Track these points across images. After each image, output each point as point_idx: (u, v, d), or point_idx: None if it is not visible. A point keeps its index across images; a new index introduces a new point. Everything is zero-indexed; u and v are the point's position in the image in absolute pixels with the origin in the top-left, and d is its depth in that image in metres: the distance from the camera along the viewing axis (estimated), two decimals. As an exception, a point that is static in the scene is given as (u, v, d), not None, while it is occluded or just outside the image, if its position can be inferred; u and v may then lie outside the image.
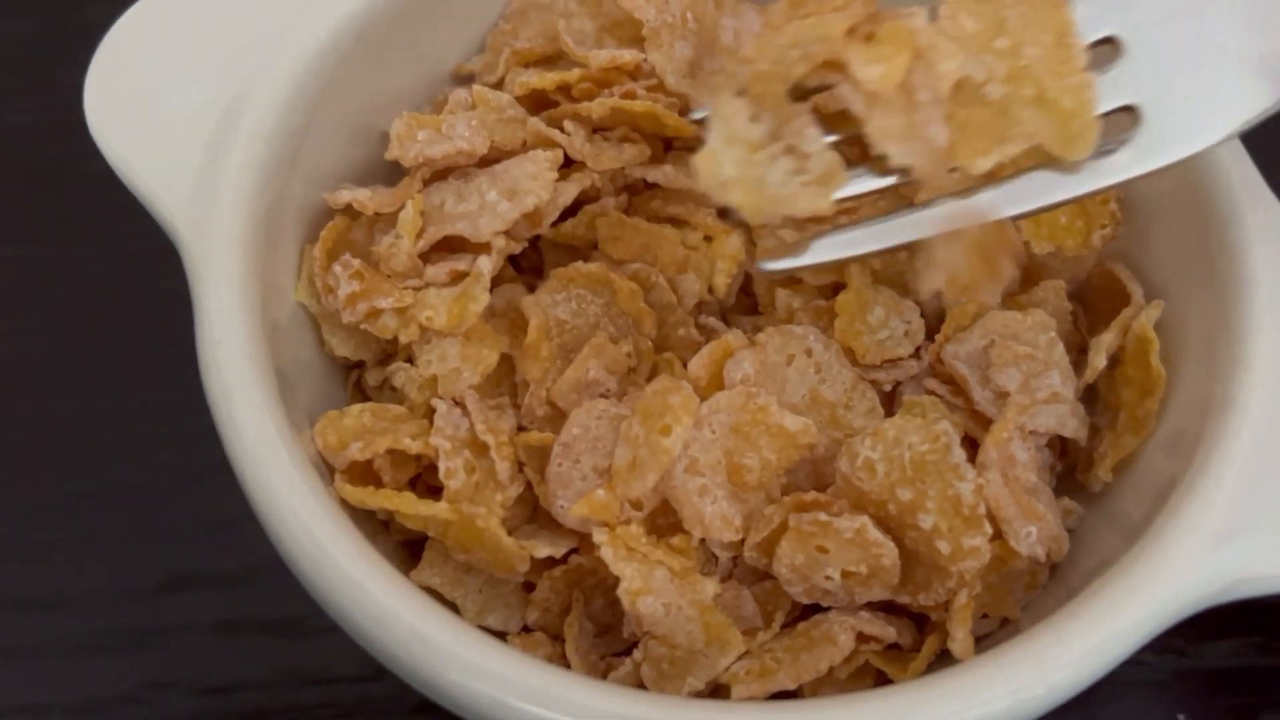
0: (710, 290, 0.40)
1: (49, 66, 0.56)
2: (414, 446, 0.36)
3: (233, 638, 0.45)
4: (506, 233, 0.38)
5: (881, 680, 0.36)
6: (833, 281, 0.41)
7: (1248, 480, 0.34)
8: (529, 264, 0.42)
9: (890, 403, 0.39)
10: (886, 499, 0.34)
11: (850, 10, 0.31)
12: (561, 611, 0.37)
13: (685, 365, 0.38)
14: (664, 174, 0.40)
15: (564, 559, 0.36)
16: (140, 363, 0.49)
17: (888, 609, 0.36)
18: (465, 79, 0.44)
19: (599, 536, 0.35)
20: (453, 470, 0.36)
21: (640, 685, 0.35)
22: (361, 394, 0.41)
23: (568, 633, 0.36)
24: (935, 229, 0.33)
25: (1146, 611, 0.32)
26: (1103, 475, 0.38)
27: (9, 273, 0.52)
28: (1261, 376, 0.35)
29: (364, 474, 0.36)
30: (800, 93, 0.32)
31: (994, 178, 0.33)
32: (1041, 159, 0.33)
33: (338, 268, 0.38)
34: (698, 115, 0.35)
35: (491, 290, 0.39)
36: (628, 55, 0.40)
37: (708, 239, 0.41)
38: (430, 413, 0.37)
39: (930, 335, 0.40)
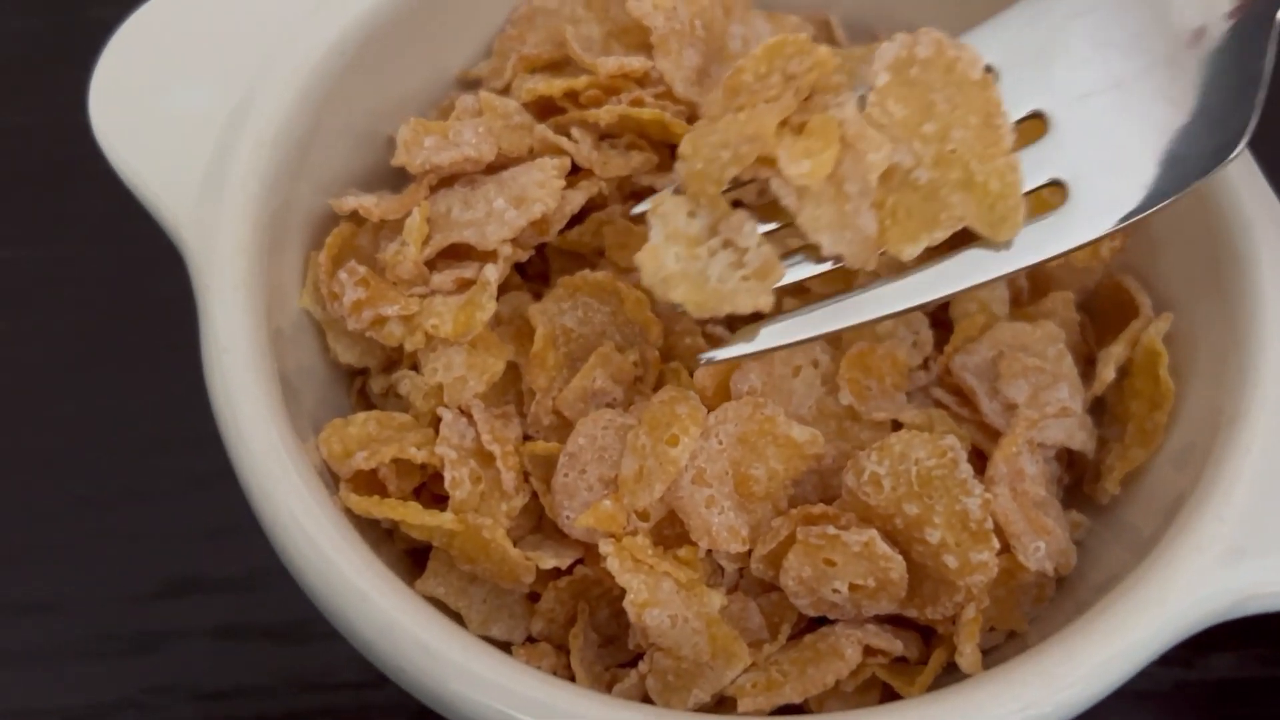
0: (717, 299, 0.40)
1: (51, 67, 0.56)
2: (419, 456, 0.36)
3: (233, 643, 0.45)
4: (513, 240, 0.38)
5: (888, 694, 0.36)
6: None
7: (1257, 496, 0.33)
8: (535, 271, 0.42)
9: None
10: (893, 513, 0.34)
11: (781, 103, 0.32)
12: (566, 622, 0.37)
13: (692, 374, 0.38)
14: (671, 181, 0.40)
15: (569, 569, 0.36)
16: (141, 366, 0.49)
17: (894, 622, 0.36)
18: (471, 84, 0.44)
19: (605, 547, 0.34)
20: (458, 480, 0.35)
21: (645, 697, 0.35)
22: (366, 401, 0.40)
23: (573, 644, 0.36)
24: (876, 313, 0.34)
25: (1155, 628, 0.32)
26: (1111, 488, 0.38)
27: (10, 275, 0.52)
28: (1271, 391, 0.35)
29: (369, 483, 0.36)
30: (736, 183, 0.33)
31: (925, 258, 0.34)
32: (972, 237, 0.34)
33: (343, 274, 0.38)
34: (636, 211, 0.36)
35: (498, 298, 0.39)
36: (636, 62, 0.40)
37: (714, 247, 0.40)
38: (435, 421, 0.37)
39: (939, 346, 0.39)
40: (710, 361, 0.34)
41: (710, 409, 0.36)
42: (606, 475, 0.36)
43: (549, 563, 0.35)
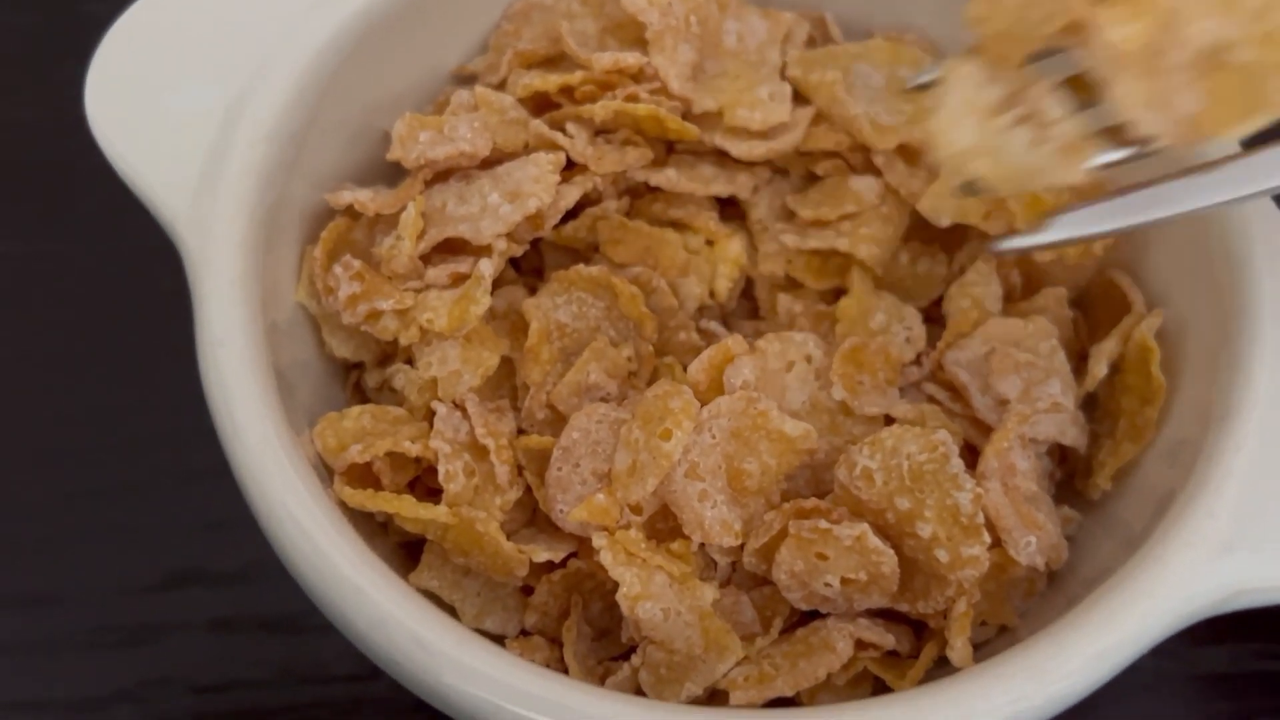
0: (711, 294, 0.40)
1: (47, 62, 0.56)
2: (414, 449, 0.36)
3: (230, 636, 0.45)
4: (508, 235, 0.38)
5: (879, 687, 0.36)
6: (834, 286, 0.41)
7: (1248, 491, 0.34)
8: (529, 265, 0.42)
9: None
10: (885, 508, 0.34)
11: None
12: (560, 615, 0.37)
13: (686, 369, 0.38)
14: (666, 177, 0.40)
15: (563, 563, 0.36)
16: (139, 360, 0.49)
17: (886, 616, 0.36)
18: (467, 79, 0.44)
19: (598, 541, 0.34)
20: (452, 473, 0.36)
21: (638, 690, 0.35)
22: (361, 395, 0.40)
23: (566, 637, 0.36)
24: (1184, 206, 0.31)
25: (1146, 623, 0.32)
26: (1102, 483, 0.38)
27: (8, 269, 0.52)
28: (1262, 387, 0.35)
29: (363, 476, 0.36)
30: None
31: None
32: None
33: (338, 269, 0.38)
34: (923, 79, 0.33)
35: (493, 293, 0.39)
36: (631, 58, 0.40)
37: (709, 243, 0.41)
38: (430, 415, 0.37)
39: (931, 341, 0.40)
40: (1002, 252, 0.31)
41: (703, 403, 0.36)
42: (600, 469, 0.36)
43: (542, 556, 0.35)
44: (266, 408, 0.34)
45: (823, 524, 0.34)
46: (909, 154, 0.41)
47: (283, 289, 0.39)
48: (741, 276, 0.41)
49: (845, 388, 0.37)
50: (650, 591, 0.34)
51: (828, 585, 0.35)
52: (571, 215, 0.40)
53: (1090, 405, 0.40)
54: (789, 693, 0.34)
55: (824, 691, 0.35)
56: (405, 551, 0.38)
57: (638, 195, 0.42)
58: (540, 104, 0.41)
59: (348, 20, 0.40)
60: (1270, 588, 0.33)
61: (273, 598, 0.45)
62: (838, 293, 0.41)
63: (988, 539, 0.34)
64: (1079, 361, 0.40)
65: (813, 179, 0.42)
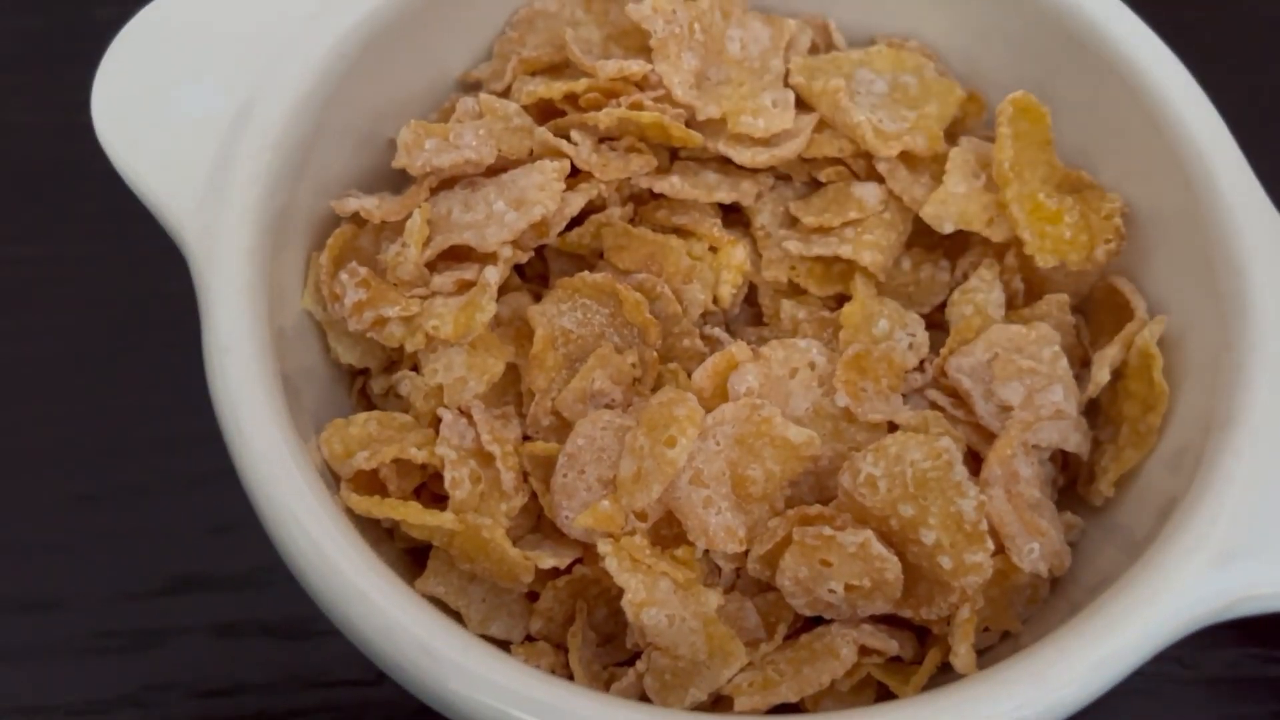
0: (715, 301, 0.40)
1: (54, 66, 0.56)
2: (420, 456, 0.36)
3: (234, 640, 0.45)
4: (513, 242, 0.38)
5: (883, 693, 0.36)
6: (837, 293, 0.41)
7: (1249, 498, 0.34)
8: (534, 272, 0.42)
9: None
10: (889, 514, 0.34)
11: None
12: (565, 621, 0.37)
13: (690, 376, 0.38)
14: (670, 184, 0.40)
15: (568, 569, 0.36)
16: (143, 365, 0.49)
17: (890, 622, 0.36)
18: (472, 86, 0.44)
19: (603, 547, 0.35)
20: (458, 480, 0.36)
21: (643, 696, 0.35)
22: (366, 401, 0.41)
23: (571, 643, 0.36)
24: None
25: (1148, 629, 0.32)
26: (1105, 490, 0.38)
27: (12, 273, 0.52)
28: (1263, 394, 0.35)
29: (369, 483, 0.36)
30: None
31: None
32: None
33: (344, 275, 0.38)
34: None
35: (498, 299, 0.39)
36: (635, 66, 0.40)
37: (713, 250, 0.41)
38: (436, 422, 0.37)
39: (934, 348, 0.40)
40: None
41: (708, 410, 0.36)
42: (605, 476, 0.36)
43: (548, 562, 0.35)
44: (273, 414, 0.34)
45: (827, 531, 0.34)
46: (911, 161, 0.41)
47: (289, 296, 0.39)
48: (745, 283, 0.41)
49: (849, 394, 0.37)
50: (655, 598, 0.34)
51: (831, 591, 0.35)
52: (576, 222, 0.40)
53: (1093, 411, 0.40)
54: (793, 699, 0.34)
55: (828, 697, 0.35)
56: (411, 558, 0.38)
57: (642, 202, 0.42)
58: (545, 111, 0.41)
59: (353, 27, 0.40)
60: (1273, 594, 0.33)
61: (277, 602, 0.45)
62: (841, 299, 0.41)
63: (991, 545, 0.34)
64: (1082, 368, 0.40)
65: (816, 186, 0.42)
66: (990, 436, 0.37)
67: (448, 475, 0.36)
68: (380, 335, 0.38)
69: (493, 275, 0.37)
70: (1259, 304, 0.36)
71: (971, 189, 0.40)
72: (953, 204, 0.40)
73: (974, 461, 0.37)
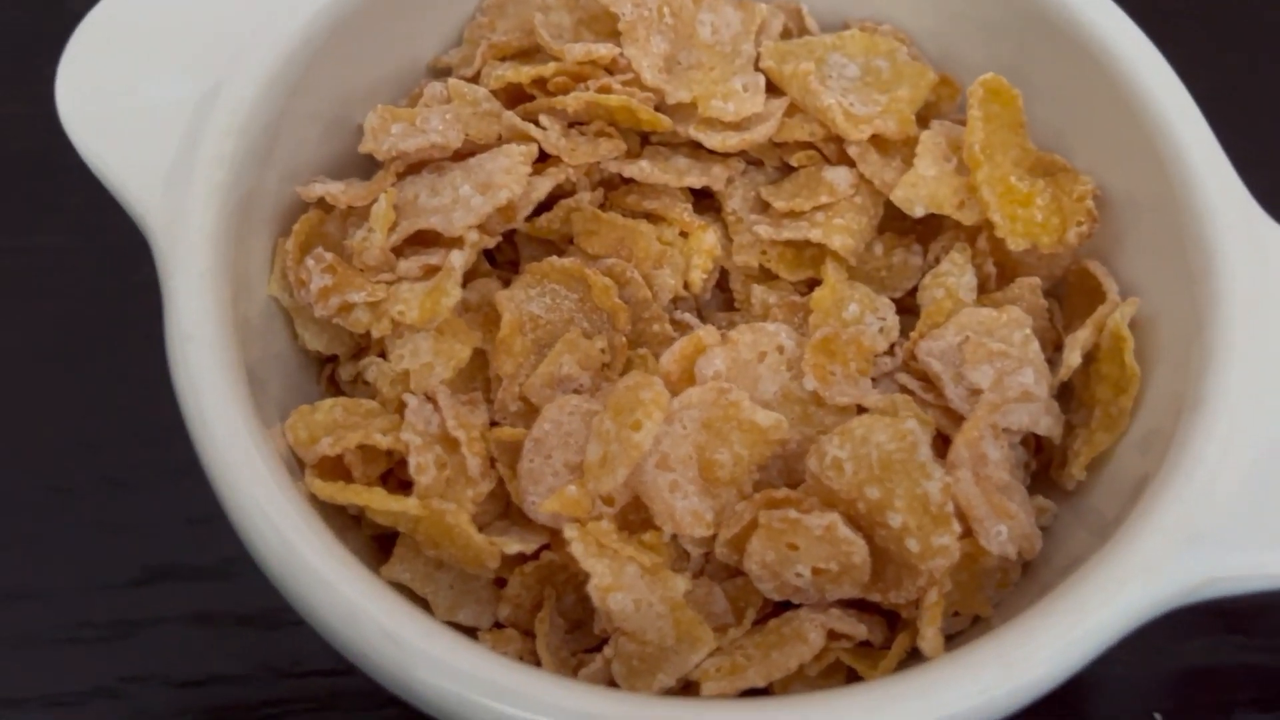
0: (686, 286, 0.40)
1: (31, 58, 0.56)
2: (384, 442, 0.36)
3: (210, 630, 0.45)
4: (480, 227, 0.38)
5: (853, 678, 0.35)
6: (809, 277, 0.41)
7: (1218, 480, 0.33)
8: (505, 259, 0.42)
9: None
10: (855, 497, 0.34)
11: None
12: (533, 608, 0.37)
13: (660, 360, 0.38)
14: (640, 169, 0.40)
15: (535, 555, 0.36)
16: (118, 356, 0.49)
17: (860, 606, 0.36)
18: (442, 72, 0.44)
19: (569, 532, 0.34)
20: (423, 466, 0.35)
21: (611, 682, 0.35)
22: (335, 388, 0.40)
23: (539, 629, 0.36)
24: None
25: (1115, 611, 0.32)
26: (1076, 473, 0.38)
27: (-12, 264, 0.52)
28: (1233, 375, 0.35)
29: (335, 469, 0.36)
30: None
31: None
32: None
33: (310, 261, 0.38)
34: None
35: (466, 285, 0.39)
36: (603, 49, 0.40)
37: (684, 234, 0.40)
38: (402, 408, 0.37)
39: (905, 332, 0.40)
40: None
41: (675, 394, 0.36)
42: (572, 461, 0.36)
43: (514, 548, 0.35)
44: (235, 400, 0.34)
45: (793, 514, 0.34)
46: (883, 144, 0.41)
47: (256, 282, 0.39)
48: (716, 268, 0.41)
49: (817, 378, 0.37)
50: (621, 582, 0.34)
51: (799, 575, 0.35)
52: (546, 208, 0.40)
53: (1067, 395, 0.40)
54: (760, 683, 0.34)
55: (797, 682, 0.35)
56: (379, 545, 0.38)
57: (612, 187, 0.41)
58: (514, 96, 0.41)
59: (322, 12, 0.40)
60: (1240, 576, 0.33)
61: (251, 593, 0.45)
62: (812, 284, 0.40)
63: (958, 528, 0.34)
64: (1055, 352, 0.40)
65: (787, 170, 0.42)
66: (960, 420, 0.37)
67: (412, 461, 0.35)
68: (346, 321, 0.38)
69: (458, 259, 0.37)
70: (1230, 286, 0.36)
71: (942, 172, 0.40)
72: (923, 187, 0.40)
73: (944, 445, 0.37)
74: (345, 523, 0.37)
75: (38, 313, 0.51)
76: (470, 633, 0.36)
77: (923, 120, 0.42)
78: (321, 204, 0.39)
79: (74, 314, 0.51)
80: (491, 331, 0.38)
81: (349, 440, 0.35)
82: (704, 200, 0.42)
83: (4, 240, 0.53)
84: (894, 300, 0.41)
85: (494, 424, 0.38)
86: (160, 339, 0.37)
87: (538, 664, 0.35)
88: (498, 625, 0.37)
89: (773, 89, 0.42)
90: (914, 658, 0.35)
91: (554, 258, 0.39)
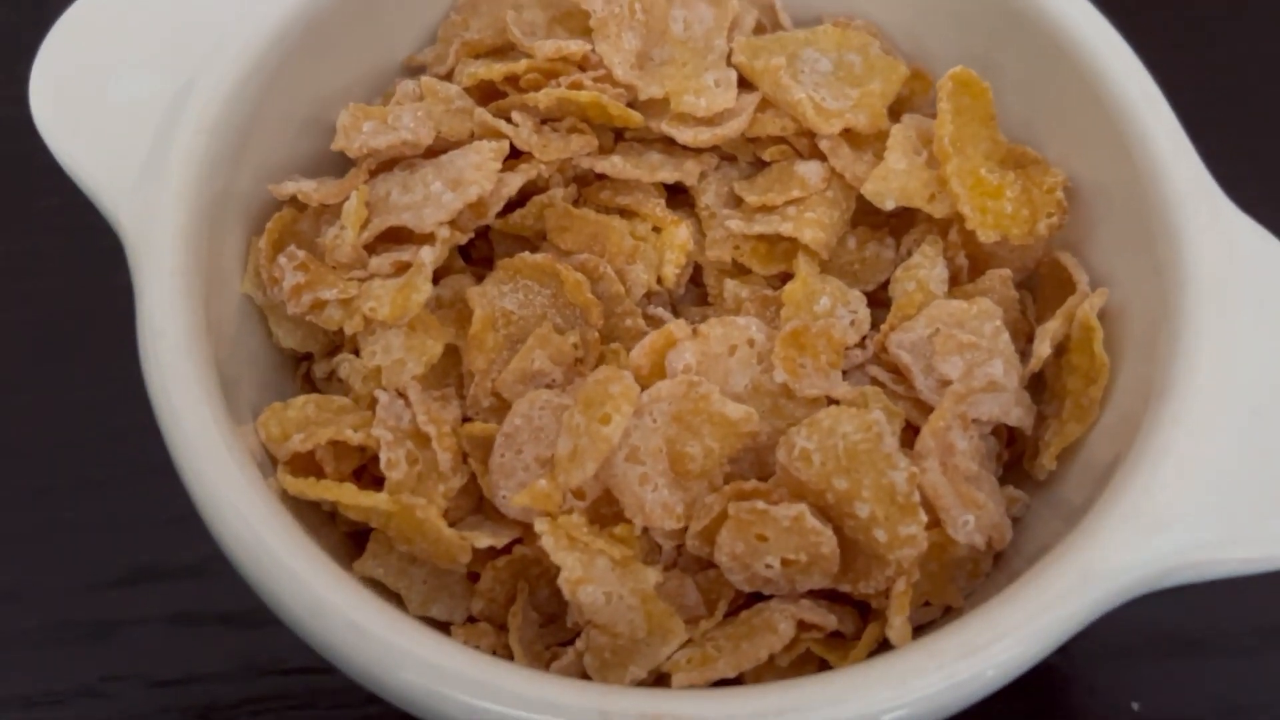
0: (659, 281, 0.40)
1: (10, 59, 0.56)
2: (356, 438, 0.36)
3: (189, 629, 0.46)
4: (451, 223, 0.38)
5: (824, 669, 0.36)
6: (781, 272, 0.41)
7: (1185, 467, 0.33)
8: (479, 255, 0.42)
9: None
10: (824, 488, 0.34)
11: None
12: (506, 602, 0.37)
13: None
14: (612, 164, 0.40)
15: (508, 549, 0.36)
16: (97, 356, 0.49)
17: (831, 597, 0.36)
18: (416, 70, 0.44)
19: (540, 526, 0.34)
20: (394, 461, 0.36)
21: (583, 674, 0.35)
22: (310, 386, 0.41)
23: (511, 623, 0.36)
24: None
25: (1080, 597, 0.32)
26: (1047, 464, 0.38)
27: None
28: (1199, 364, 0.35)
29: (307, 465, 0.36)
30: None
31: None
32: None
33: (283, 259, 0.38)
34: None
35: (439, 281, 0.39)
36: (574, 46, 0.40)
37: (656, 230, 0.41)
38: (374, 404, 0.37)
39: (876, 324, 0.40)
40: None
41: (645, 388, 0.36)
42: (543, 455, 0.36)
43: (484, 542, 0.35)
44: (205, 397, 0.34)
45: (761, 505, 0.34)
46: (855, 139, 0.41)
47: (229, 281, 0.39)
48: (689, 263, 0.41)
49: (786, 370, 0.37)
50: (592, 575, 0.34)
51: (769, 566, 0.35)
52: (520, 204, 0.40)
53: (1039, 386, 0.40)
54: (731, 674, 0.34)
55: (767, 672, 0.35)
56: (353, 541, 0.38)
57: (585, 183, 0.42)
58: (486, 93, 0.41)
59: (295, 11, 0.40)
60: (1206, 561, 0.33)
61: (231, 592, 0.44)
62: (785, 278, 0.40)
63: (925, 518, 0.34)
64: (1027, 343, 0.40)
65: (760, 165, 0.42)
66: (930, 411, 0.37)
67: (383, 456, 0.36)
68: (319, 318, 0.38)
69: (428, 256, 0.37)
70: (1196, 274, 0.36)
71: (912, 165, 0.40)
72: (893, 180, 0.40)
73: (915, 437, 0.37)
74: (319, 520, 0.37)
75: (13, 314, 0.51)
76: (444, 627, 0.36)
77: (895, 114, 0.43)
78: (294, 202, 0.39)
79: (50, 315, 0.51)
80: (464, 327, 0.39)
81: (320, 436, 0.36)
82: (677, 195, 0.42)
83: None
84: (867, 294, 0.41)
85: (467, 420, 0.38)
86: (135, 340, 0.37)
87: (510, 658, 0.35)
88: (471, 620, 0.37)
89: (745, 84, 0.42)
90: (885, 648, 0.35)
91: (526, 253, 0.39)
